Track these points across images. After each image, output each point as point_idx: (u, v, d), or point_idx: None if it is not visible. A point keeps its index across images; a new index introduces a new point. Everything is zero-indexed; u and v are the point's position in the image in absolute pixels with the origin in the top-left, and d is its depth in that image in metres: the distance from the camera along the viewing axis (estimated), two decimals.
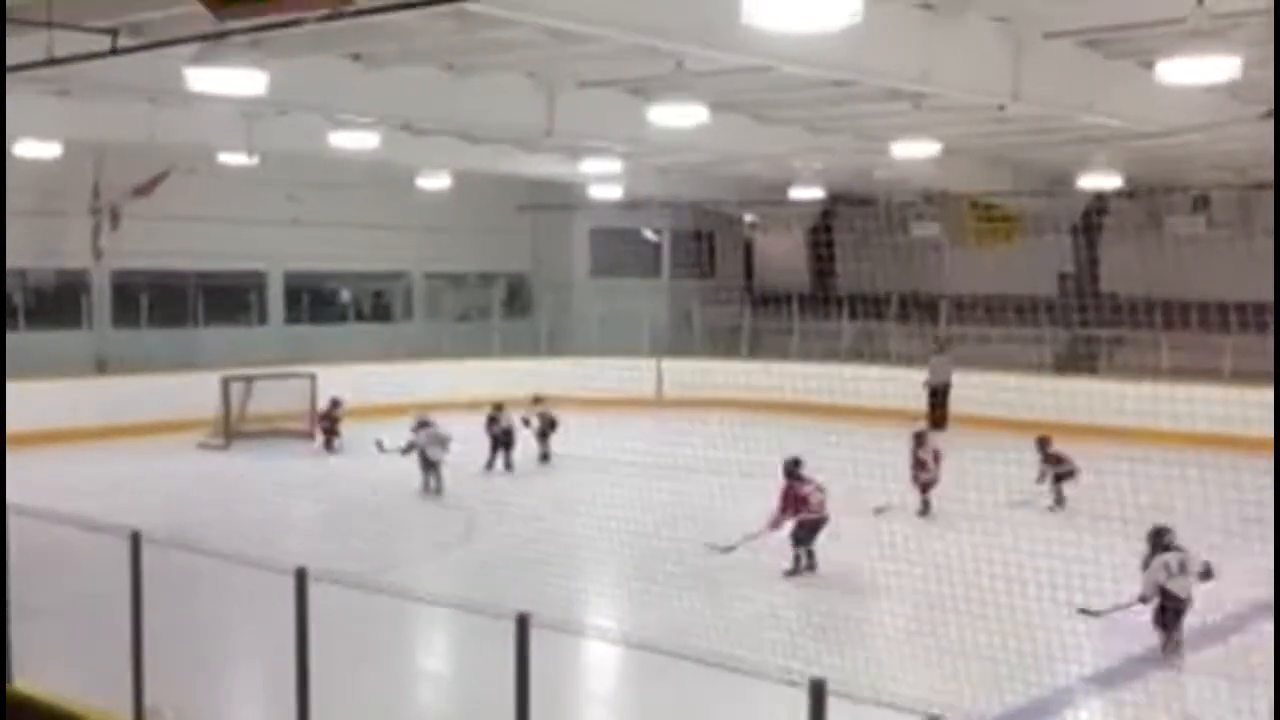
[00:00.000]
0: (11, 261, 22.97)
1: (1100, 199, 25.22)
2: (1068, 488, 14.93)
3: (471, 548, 13.92)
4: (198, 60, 10.98)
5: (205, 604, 9.84)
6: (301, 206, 25.21)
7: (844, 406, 19.32)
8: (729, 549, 12.19)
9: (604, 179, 24.95)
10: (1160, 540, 9.62)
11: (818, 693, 4.94)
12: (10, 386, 19.51)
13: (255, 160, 21.04)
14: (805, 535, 12.14)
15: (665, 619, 10.07)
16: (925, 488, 14.67)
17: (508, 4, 10.29)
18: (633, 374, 22.63)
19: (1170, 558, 9.50)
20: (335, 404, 20.74)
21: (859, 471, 11.90)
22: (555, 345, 27.28)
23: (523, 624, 5.84)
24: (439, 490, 16.53)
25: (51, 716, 8.40)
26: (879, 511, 13.38)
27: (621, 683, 9.72)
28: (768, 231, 31.26)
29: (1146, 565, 9.57)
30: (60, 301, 24.20)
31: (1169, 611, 9.45)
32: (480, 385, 22.57)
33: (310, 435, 21.16)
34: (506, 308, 29.75)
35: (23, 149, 19.11)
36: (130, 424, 20.44)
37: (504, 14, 10.82)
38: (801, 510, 12.12)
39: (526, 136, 20.23)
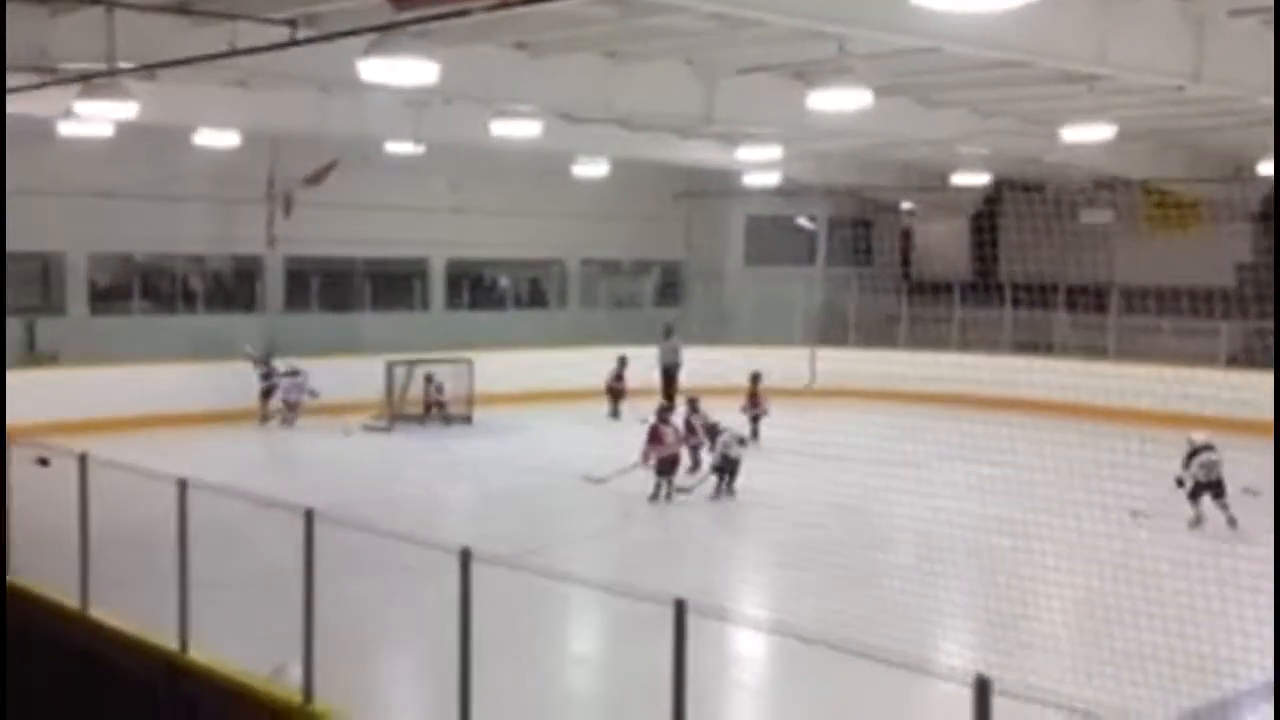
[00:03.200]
0: (191, 248, 24.05)
1: None
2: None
3: (625, 533, 14.00)
4: (371, 51, 11.24)
5: (367, 580, 10.07)
6: (463, 195, 25.70)
7: (1006, 399, 18.83)
8: (602, 480, 15.36)
9: (761, 166, 24.78)
10: (717, 429, 15.60)
11: (982, 690, 4.82)
12: (189, 368, 20.79)
13: (420, 149, 21.50)
14: (662, 468, 15.31)
15: (821, 609, 9.93)
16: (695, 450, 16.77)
17: None
18: (785, 363, 22.48)
19: (727, 436, 15.41)
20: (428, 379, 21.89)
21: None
22: (708, 333, 27.25)
23: (680, 610, 5.83)
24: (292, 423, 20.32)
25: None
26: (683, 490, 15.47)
27: (774, 673, 9.66)
28: (928, 219, 30.62)
29: (712, 447, 15.44)
30: (236, 286, 25.21)
31: (729, 470, 15.08)
32: (633, 372, 22.79)
33: (468, 419, 21.66)
34: (660, 295, 29.83)
35: (202, 138, 19.93)
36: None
37: (666, 0, 10.82)
38: (659, 447, 15.34)
39: (685, 124, 20.24)
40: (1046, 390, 18.88)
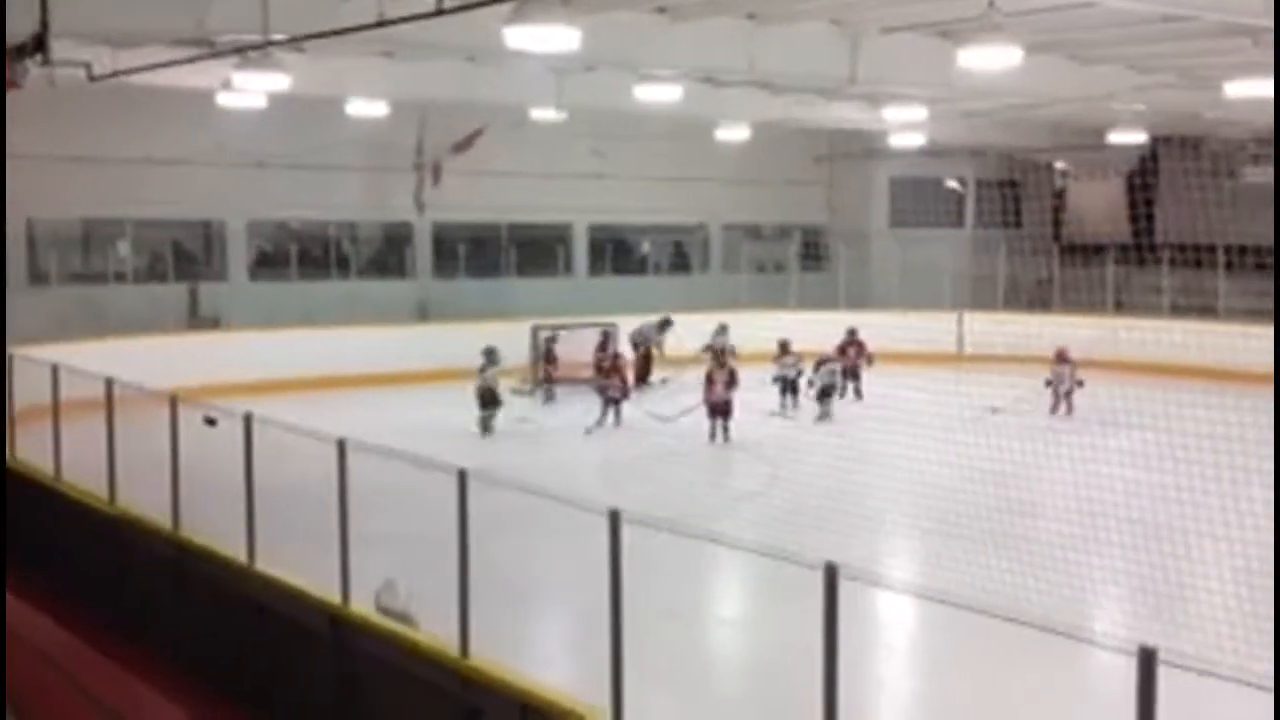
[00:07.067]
0: (344, 214, 24.73)
1: None
2: None
3: (770, 498, 13.98)
4: (515, 19, 11.35)
5: (513, 539, 10.24)
6: (605, 160, 25.86)
7: (1163, 364, 18.23)
8: (668, 420, 17.23)
9: (906, 127, 24.33)
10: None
11: (1147, 661, 4.70)
12: (343, 332, 21.39)
13: (563, 116, 21.67)
14: (711, 411, 17.02)
15: (971, 576, 9.79)
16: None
17: None
18: (932, 328, 22.05)
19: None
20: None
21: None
22: (853, 298, 26.95)
23: (831, 574, 5.83)
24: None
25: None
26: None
27: (925, 639, 9.59)
28: (1080, 178, 29.71)
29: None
30: (387, 252, 25.84)
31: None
32: (776, 338, 22.62)
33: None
34: (803, 259, 29.60)
35: (353, 108, 20.43)
36: (448, 369, 21.51)
37: None
38: (708, 392, 17.13)
39: (828, 86, 19.98)
40: (1204, 355, 18.21)
